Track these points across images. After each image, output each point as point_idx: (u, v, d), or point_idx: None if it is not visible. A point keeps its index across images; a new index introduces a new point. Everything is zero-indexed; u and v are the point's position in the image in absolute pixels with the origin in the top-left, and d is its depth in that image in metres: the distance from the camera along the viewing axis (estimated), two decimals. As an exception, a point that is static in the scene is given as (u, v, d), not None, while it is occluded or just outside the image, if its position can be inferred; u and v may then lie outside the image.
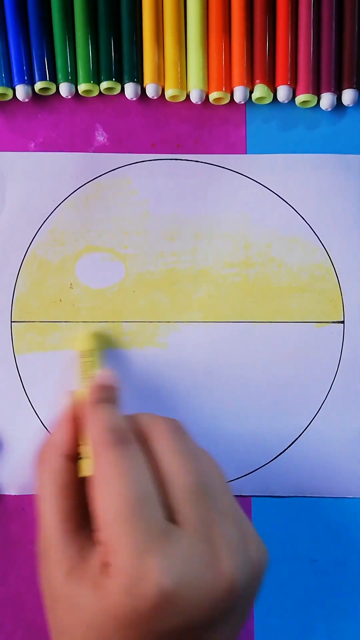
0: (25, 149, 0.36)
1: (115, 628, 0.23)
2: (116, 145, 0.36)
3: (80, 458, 0.29)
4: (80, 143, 0.36)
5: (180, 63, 0.35)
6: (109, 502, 0.25)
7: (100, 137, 0.36)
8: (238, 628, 0.26)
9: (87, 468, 0.28)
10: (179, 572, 0.23)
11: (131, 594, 0.23)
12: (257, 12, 0.35)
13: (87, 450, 0.28)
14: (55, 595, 0.26)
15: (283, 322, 0.36)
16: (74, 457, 0.29)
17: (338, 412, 0.35)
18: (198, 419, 0.35)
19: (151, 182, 0.36)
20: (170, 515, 0.25)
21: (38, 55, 0.34)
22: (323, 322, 0.36)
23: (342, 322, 0.35)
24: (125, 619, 0.23)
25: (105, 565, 0.24)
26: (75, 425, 0.30)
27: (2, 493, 0.35)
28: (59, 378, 0.35)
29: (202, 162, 0.36)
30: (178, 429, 0.28)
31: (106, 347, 0.35)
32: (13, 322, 0.35)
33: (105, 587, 0.24)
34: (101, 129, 0.36)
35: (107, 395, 0.30)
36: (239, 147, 0.36)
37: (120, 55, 0.35)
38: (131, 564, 0.23)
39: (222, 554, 0.24)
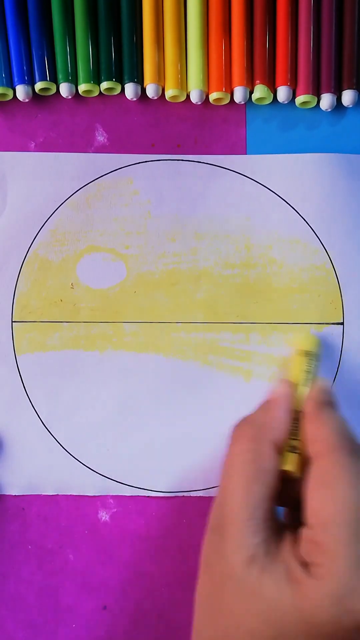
0: (25, 149, 0.36)
1: (302, 631, 0.23)
2: (116, 145, 0.36)
3: (287, 450, 0.29)
4: (80, 143, 0.36)
5: (180, 63, 0.35)
6: (339, 506, 0.24)
7: (100, 137, 0.36)
8: None
9: (293, 463, 0.29)
10: None
11: (339, 604, 0.22)
12: (257, 12, 0.35)
13: (299, 446, 0.29)
14: (227, 576, 0.25)
15: (283, 323, 0.36)
16: (280, 447, 0.28)
17: (338, 413, 0.36)
18: (198, 420, 0.35)
19: (152, 182, 0.36)
20: None
21: (38, 55, 0.34)
22: (323, 323, 0.36)
23: (342, 323, 0.36)
24: (320, 627, 0.23)
25: (306, 565, 0.24)
26: (291, 416, 0.29)
27: (2, 493, 0.35)
28: (62, 378, 0.36)
29: (202, 162, 0.36)
30: None
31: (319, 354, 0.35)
32: (14, 322, 0.35)
33: (307, 587, 0.23)
34: (101, 129, 0.36)
35: (333, 401, 0.30)
36: (239, 147, 0.36)
37: (120, 55, 0.35)
38: (349, 574, 0.23)
39: None
